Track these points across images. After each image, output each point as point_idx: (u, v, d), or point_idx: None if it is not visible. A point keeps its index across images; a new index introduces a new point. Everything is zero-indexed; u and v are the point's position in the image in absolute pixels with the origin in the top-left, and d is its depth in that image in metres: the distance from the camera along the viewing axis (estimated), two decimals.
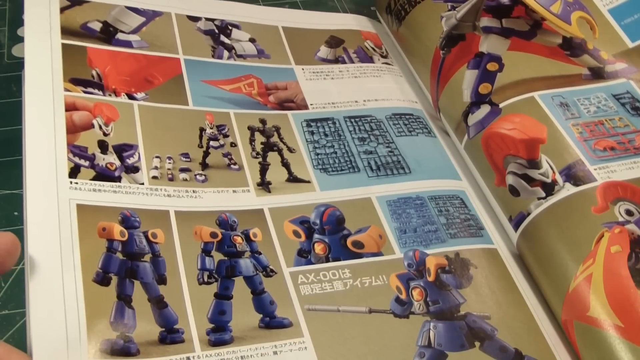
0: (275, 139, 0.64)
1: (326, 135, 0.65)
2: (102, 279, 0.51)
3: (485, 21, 0.67)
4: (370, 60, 0.74)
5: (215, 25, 0.74)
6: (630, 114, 0.60)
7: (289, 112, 0.67)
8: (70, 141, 0.58)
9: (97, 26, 0.69)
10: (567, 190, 0.56)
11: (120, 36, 0.69)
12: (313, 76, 0.71)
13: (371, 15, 0.81)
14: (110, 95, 0.63)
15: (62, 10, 0.68)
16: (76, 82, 0.62)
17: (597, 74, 0.64)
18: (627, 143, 0.58)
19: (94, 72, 0.64)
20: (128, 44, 0.68)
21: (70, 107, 0.60)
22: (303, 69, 0.72)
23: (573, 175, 0.56)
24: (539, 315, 0.55)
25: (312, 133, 0.65)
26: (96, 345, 0.48)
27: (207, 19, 0.74)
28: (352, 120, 0.67)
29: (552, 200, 0.56)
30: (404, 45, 0.74)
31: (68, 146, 0.57)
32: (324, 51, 0.74)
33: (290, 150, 0.64)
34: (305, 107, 0.68)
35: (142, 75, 0.66)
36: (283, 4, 0.85)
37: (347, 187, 0.61)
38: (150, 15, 0.72)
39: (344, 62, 0.73)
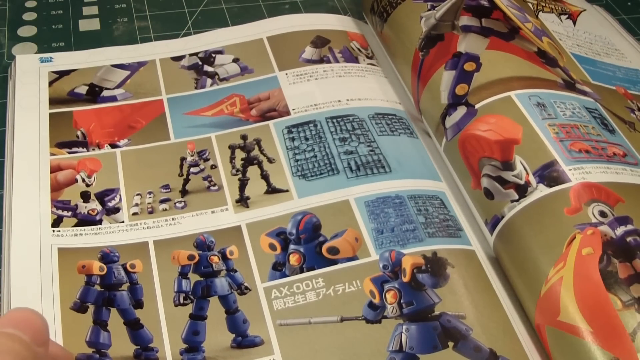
0: (255, 152, 0.65)
1: (307, 139, 0.66)
2: (80, 308, 0.54)
3: (465, 20, 0.67)
4: (355, 60, 0.74)
5: (199, 57, 0.75)
6: (601, 127, 0.60)
7: (270, 122, 0.68)
8: (54, 197, 0.61)
9: (83, 90, 0.71)
10: (541, 191, 0.55)
11: (105, 93, 0.71)
12: (296, 79, 0.71)
13: (360, 16, 0.81)
14: (93, 149, 0.65)
15: (51, 83, 0.71)
16: (61, 145, 0.66)
17: (570, 86, 0.64)
18: (601, 150, 0.58)
19: (79, 133, 0.67)
20: (113, 99, 0.71)
21: (55, 169, 0.64)
22: (287, 74, 0.72)
23: (547, 176, 0.56)
24: (514, 317, 0.55)
25: (293, 139, 0.66)
26: (71, 357, 0.50)
27: (191, 55, 0.75)
28: (334, 120, 0.67)
29: (525, 202, 0.56)
30: (388, 46, 0.74)
31: (52, 202, 0.61)
32: (309, 52, 0.74)
33: (270, 160, 0.64)
34: (288, 113, 0.68)
35: (125, 123, 0.68)
36: (283, 3, 0.85)
37: (325, 191, 0.62)
38: (135, 67, 0.74)
39: (328, 61, 0.74)
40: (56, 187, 0.62)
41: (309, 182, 0.62)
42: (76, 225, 0.59)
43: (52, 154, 0.64)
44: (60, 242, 0.58)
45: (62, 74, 0.73)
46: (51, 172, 0.63)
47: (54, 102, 0.69)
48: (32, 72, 0.72)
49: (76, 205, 0.61)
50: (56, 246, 0.57)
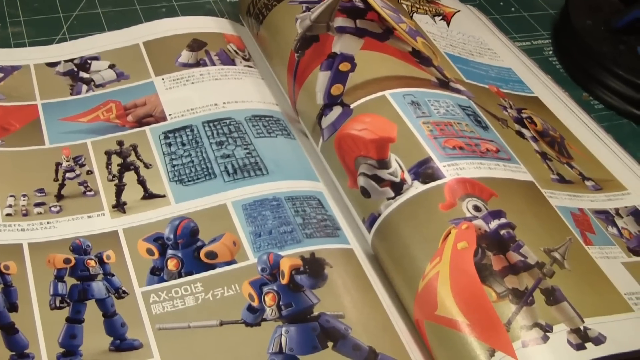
0: (132, 157, 0.64)
1: (183, 144, 0.65)
2: None
3: (340, 21, 0.67)
4: (232, 62, 0.74)
5: (75, 64, 0.74)
6: (474, 124, 0.61)
7: (147, 128, 0.67)
8: None
9: None
10: (416, 188, 0.56)
11: None
12: (173, 84, 0.71)
13: (238, 18, 0.81)
14: None
15: None
16: None
17: (444, 85, 0.65)
18: (474, 146, 0.59)
19: None
20: None
21: None
22: (163, 79, 0.71)
23: (422, 173, 0.57)
24: (393, 315, 0.55)
25: (170, 145, 0.65)
26: None
27: (66, 61, 0.74)
28: (211, 124, 0.67)
29: (401, 199, 0.56)
30: (264, 48, 0.74)
31: None
32: (185, 56, 0.74)
33: (146, 166, 0.64)
34: (164, 118, 0.68)
35: None
36: (160, 7, 0.84)
37: (202, 196, 0.61)
38: (8, 71, 0.72)
39: (205, 64, 0.73)
40: None
41: (186, 187, 0.62)
42: None
43: None
44: None
45: None
46: None
47: None
48: None
49: None
50: None
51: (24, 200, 0.61)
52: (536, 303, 0.50)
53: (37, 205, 0.61)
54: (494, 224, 0.53)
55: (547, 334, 0.48)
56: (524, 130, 0.67)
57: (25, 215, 0.60)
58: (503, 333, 0.48)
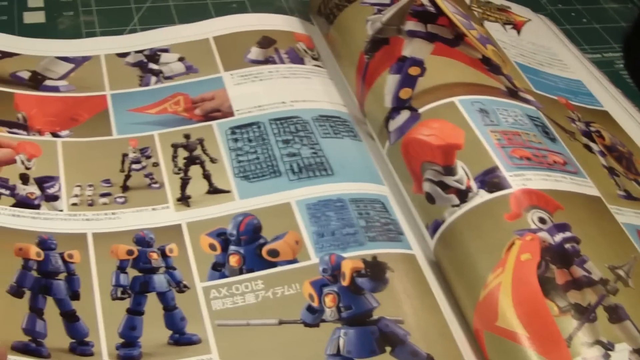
0: (198, 151, 0.65)
1: (250, 141, 0.65)
2: (16, 292, 0.53)
3: (411, 25, 0.67)
4: (301, 61, 0.74)
5: (145, 55, 0.74)
6: (542, 135, 0.61)
7: (214, 122, 0.67)
8: None
9: (26, 75, 0.71)
10: (481, 197, 0.56)
11: (48, 82, 0.70)
12: (241, 80, 0.71)
13: (308, 17, 0.81)
14: (34, 134, 0.65)
15: None
16: (1, 123, 0.65)
17: (513, 94, 0.64)
18: (541, 157, 0.58)
19: (19, 115, 0.66)
20: (55, 89, 0.70)
21: None
22: (232, 74, 0.72)
23: (488, 181, 0.56)
24: (452, 322, 0.55)
25: (236, 140, 0.65)
26: (7, 343, 0.50)
27: (136, 52, 0.75)
28: (278, 122, 0.67)
29: (466, 207, 0.56)
30: (334, 48, 0.74)
31: None
32: (254, 52, 0.74)
33: (212, 160, 0.64)
34: (231, 114, 0.68)
35: (67, 115, 0.68)
36: (231, 2, 0.85)
37: (267, 193, 0.61)
38: (79, 61, 0.73)
39: (274, 62, 0.73)
40: None
41: (251, 184, 0.62)
42: (14, 205, 0.59)
43: None
44: None
45: (5, 54, 0.72)
46: None
47: None
48: None
49: (14, 185, 0.60)
50: None
51: (90, 190, 0.61)
52: (598, 320, 0.49)
53: (102, 195, 0.61)
54: (558, 237, 0.53)
55: (609, 352, 0.47)
56: (591, 144, 0.66)
57: (90, 205, 0.60)
58: (564, 348, 0.48)
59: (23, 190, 0.60)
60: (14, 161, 0.62)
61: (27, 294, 0.53)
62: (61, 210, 0.59)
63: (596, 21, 0.89)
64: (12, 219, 0.57)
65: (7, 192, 0.59)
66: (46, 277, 0.54)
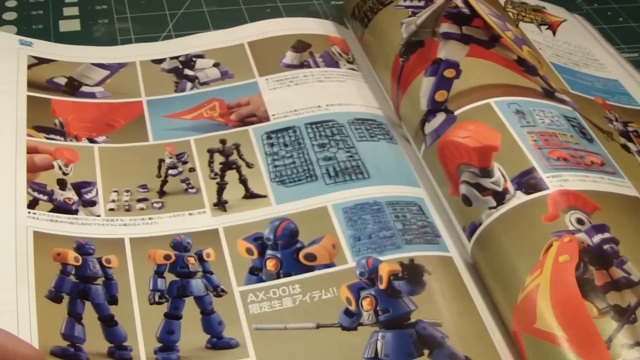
0: (234, 156, 0.65)
1: (286, 145, 0.65)
2: (55, 297, 0.54)
3: (445, 27, 0.67)
4: (336, 65, 0.74)
5: (180, 61, 0.75)
6: (579, 136, 0.60)
7: (249, 127, 0.68)
8: (31, 179, 0.61)
9: (62, 81, 0.72)
10: (518, 198, 0.55)
11: (84, 89, 0.71)
12: (277, 85, 0.71)
13: (342, 21, 0.81)
14: (71, 140, 0.65)
15: (30, 67, 0.72)
16: (39, 129, 0.66)
17: (549, 95, 0.64)
18: (579, 158, 0.58)
19: (56, 121, 0.67)
20: (92, 95, 0.71)
21: (32, 150, 0.63)
22: (267, 79, 0.72)
23: (525, 183, 0.56)
24: (490, 325, 0.54)
25: (272, 145, 0.66)
26: (46, 348, 0.50)
27: (172, 58, 0.75)
28: (313, 126, 0.67)
29: (503, 209, 0.56)
30: (368, 52, 0.74)
31: (28, 182, 0.60)
32: (289, 57, 0.74)
33: (248, 165, 0.64)
34: (267, 118, 0.68)
35: (103, 121, 0.68)
36: (264, 7, 0.85)
37: (303, 198, 0.62)
38: (115, 68, 0.74)
39: (309, 66, 0.73)
40: (32, 169, 0.62)
41: (287, 188, 0.62)
42: (52, 210, 0.59)
43: (29, 136, 0.64)
44: (35, 225, 0.57)
45: (41, 61, 0.73)
46: (28, 153, 0.63)
47: (32, 85, 0.69)
48: (11, 51, 0.73)
49: (52, 190, 0.61)
50: (32, 229, 0.57)
51: (126, 195, 0.62)
52: (639, 321, 0.48)
53: (139, 200, 0.62)
54: (597, 238, 0.52)
55: None
56: (629, 144, 0.66)
57: (127, 210, 0.61)
58: (603, 350, 0.47)
59: (61, 195, 0.61)
60: (52, 167, 0.63)
61: (66, 299, 0.54)
62: (98, 216, 0.60)
63: (633, 20, 0.88)
64: (50, 224, 0.58)
65: (45, 197, 0.60)
66: (84, 282, 0.55)
